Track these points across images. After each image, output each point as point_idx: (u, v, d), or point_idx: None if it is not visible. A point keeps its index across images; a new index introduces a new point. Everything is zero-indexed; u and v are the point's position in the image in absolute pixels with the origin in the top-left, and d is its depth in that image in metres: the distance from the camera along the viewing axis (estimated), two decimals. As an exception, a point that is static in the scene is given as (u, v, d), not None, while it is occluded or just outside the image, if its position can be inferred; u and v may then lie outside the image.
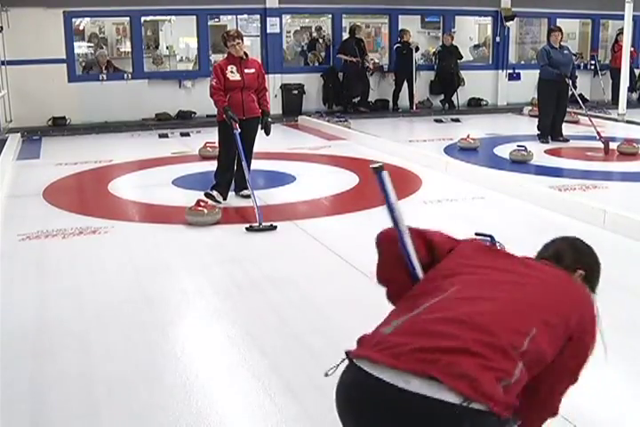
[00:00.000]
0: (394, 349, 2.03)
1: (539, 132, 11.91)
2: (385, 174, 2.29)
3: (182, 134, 13.51)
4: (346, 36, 16.13)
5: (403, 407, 1.94)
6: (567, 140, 11.79)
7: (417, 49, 16.08)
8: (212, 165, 8.19)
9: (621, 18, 13.83)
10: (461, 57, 16.48)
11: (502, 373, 1.98)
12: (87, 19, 16.75)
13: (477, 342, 2.01)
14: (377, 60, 17.30)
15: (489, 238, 5.17)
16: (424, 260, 2.38)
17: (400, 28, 16.50)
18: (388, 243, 2.40)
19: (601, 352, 2.35)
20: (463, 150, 11.04)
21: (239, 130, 7.36)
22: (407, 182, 8.78)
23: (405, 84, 16.07)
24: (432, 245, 2.41)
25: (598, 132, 11.07)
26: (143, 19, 15.58)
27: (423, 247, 2.39)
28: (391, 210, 2.32)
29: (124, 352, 4.25)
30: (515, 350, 2.02)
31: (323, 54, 16.72)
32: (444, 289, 2.22)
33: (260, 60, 9.26)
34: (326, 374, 2.18)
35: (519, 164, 9.83)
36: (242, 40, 7.72)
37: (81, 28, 16.97)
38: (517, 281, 2.26)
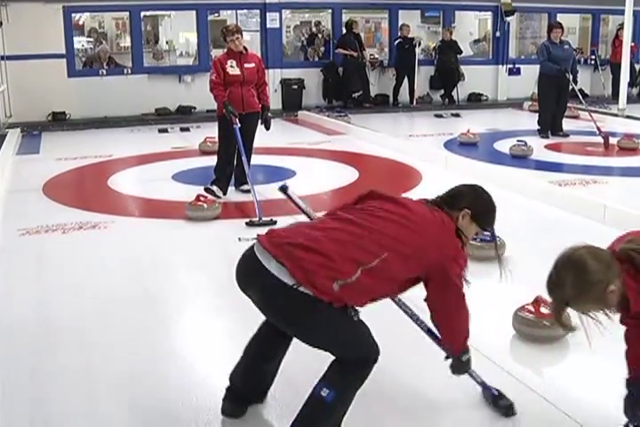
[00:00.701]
0: (276, 239, 2.90)
1: (539, 127, 11.90)
2: (290, 191, 3.36)
3: (182, 129, 13.49)
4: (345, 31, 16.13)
5: (262, 278, 2.82)
6: (567, 135, 11.79)
7: (419, 44, 16.05)
8: (211, 160, 8.20)
9: (622, 13, 13.81)
10: (461, 52, 16.45)
11: (339, 274, 2.75)
12: (87, 13, 16.72)
13: (332, 249, 2.79)
14: (376, 56, 17.28)
15: (488, 233, 5.18)
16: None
17: (400, 22, 16.47)
18: None
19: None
20: (463, 145, 11.03)
21: (239, 125, 7.36)
22: (407, 177, 8.78)
23: (406, 79, 16.06)
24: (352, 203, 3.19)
25: (598, 128, 11.06)
26: (143, 13, 15.58)
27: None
28: (306, 213, 3.41)
29: (124, 348, 4.25)
30: (360, 264, 2.78)
31: (322, 49, 16.70)
32: (334, 216, 3.06)
33: (259, 55, 9.25)
34: (239, 239, 3.64)
35: (519, 158, 9.83)
36: (241, 35, 7.71)
37: (80, 22, 16.95)
38: (389, 218, 2.95)
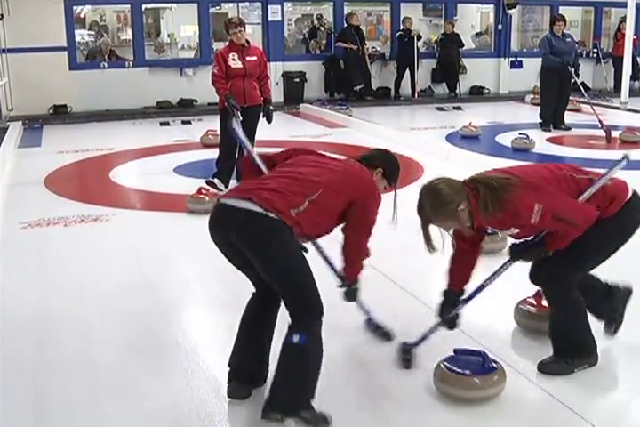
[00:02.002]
0: (238, 190, 3.65)
1: (541, 121, 11.89)
2: (237, 131, 4.63)
3: (184, 122, 13.48)
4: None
5: (236, 215, 3.32)
6: (569, 129, 11.78)
7: (419, 37, 16.00)
8: (213, 153, 8.19)
9: (624, 6, 13.80)
10: (463, 45, 16.42)
11: (292, 203, 3.33)
12: (88, 6, 16.68)
13: (282, 188, 3.38)
14: (378, 49, 17.26)
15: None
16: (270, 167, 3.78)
17: (402, 15, 16.44)
18: (247, 165, 3.91)
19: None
20: (465, 138, 11.02)
21: (241, 117, 7.35)
22: (409, 170, 8.73)
23: (407, 72, 16.04)
24: (273, 159, 3.82)
25: (600, 121, 11.04)
26: (144, 6, 15.54)
27: (269, 161, 3.82)
28: (242, 142, 4.48)
29: (126, 339, 4.27)
30: (306, 196, 3.36)
31: (324, 42, 16.68)
32: (274, 172, 3.67)
33: (261, 48, 9.24)
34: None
35: (521, 152, 9.82)
36: (244, 28, 7.70)
37: (82, 15, 16.91)
38: (318, 165, 3.59)
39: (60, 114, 14.04)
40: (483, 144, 10.72)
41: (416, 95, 16.06)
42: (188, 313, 4.77)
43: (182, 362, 3.95)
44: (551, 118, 11.76)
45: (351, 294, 3.91)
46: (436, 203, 3.36)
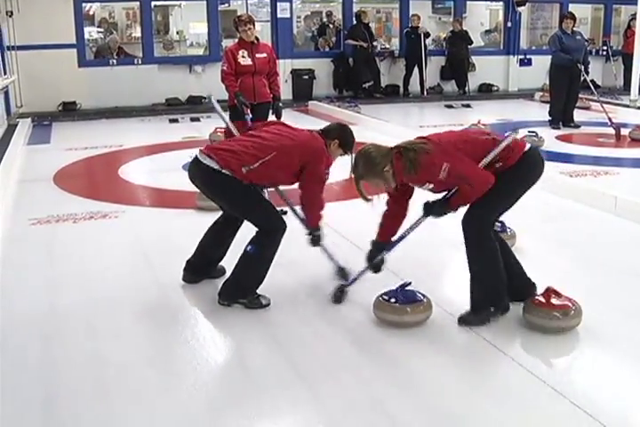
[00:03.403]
0: (212, 146, 4.73)
1: (550, 118, 11.86)
2: (214, 103, 6.10)
3: (192, 119, 13.49)
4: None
5: (200, 167, 4.46)
6: (578, 126, 11.75)
7: (427, 35, 15.97)
8: (222, 150, 8.18)
9: (634, 3, 13.77)
10: (472, 42, 16.40)
11: (245, 162, 4.37)
12: (97, 3, 16.68)
13: (240, 150, 4.41)
14: (387, 46, 17.23)
15: (499, 224, 5.18)
16: None
17: (411, 12, 16.41)
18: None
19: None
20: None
21: (250, 115, 7.35)
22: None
23: (416, 69, 16.01)
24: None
25: (610, 118, 11.01)
26: (153, 3, 15.56)
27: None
28: (218, 112, 6.03)
29: (134, 337, 4.27)
30: (259, 158, 4.37)
31: (333, 39, 16.67)
32: (245, 135, 4.82)
33: (270, 45, 9.24)
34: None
35: (530, 149, 9.77)
36: (253, 25, 7.70)
37: (91, 12, 16.91)
38: (279, 133, 4.56)
39: (70, 111, 14.09)
40: (492, 142, 10.66)
41: (425, 93, 16.03)
42: (197, 311, 4.76)
43: (190, 360, 3.95)
44: (560, 116, 11.73)
45: (315, 240, 4.81)
46: (366, 164, 4.07)
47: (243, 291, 4.58)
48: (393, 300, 4.26)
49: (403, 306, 4.23)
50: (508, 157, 4.18)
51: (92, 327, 4.38)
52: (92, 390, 3.63)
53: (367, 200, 4.22)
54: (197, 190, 6.89)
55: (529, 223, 6.03)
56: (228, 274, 4.79)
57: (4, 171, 8.18)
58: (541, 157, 4.40)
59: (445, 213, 4.28)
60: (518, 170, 4.20)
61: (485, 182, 4.07)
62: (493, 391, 3.56)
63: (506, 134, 4.26)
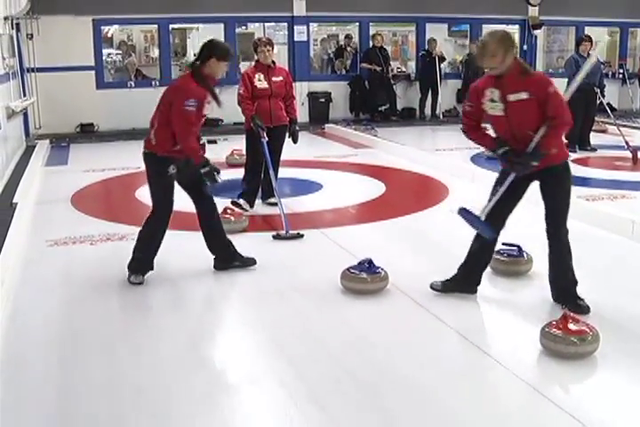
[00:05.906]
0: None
1: (566, 141, 11.82)
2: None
3: (209, 142, 13.46)
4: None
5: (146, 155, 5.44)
6: (595, 150, 11.73)
7: (443, 59, 16.03)
8: (238, 173, 8.21)
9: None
10: (488, 65, 16.39)
11: (148, 135, 5.31)
12: (116, 26, 16.86)
13: (153, 128, 5.32)
14: (403, 69, 17.29)
15: (516, 248, 5.18)
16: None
17: (428, 36, 16.49)
18: None
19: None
20: (490, 159, 10.93)
21: (267, 138, 7.37)
22: (434, 191, 8.77)
23: (430, 92, 16.05)
24: None
25: (626, 142, 10.99)
26: (171, 26, 15.69)
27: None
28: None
29: (151, 359, 4.27)
30: (152, 126, 5.33)
31: (348, 62, 16.74)
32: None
33: (287, 68, 9.29)
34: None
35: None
36: (272, 47, 7.74)
37: (109, 35, 17.08)
38: (158, 106, 5.31)
39: (87, 132, 14.21)
40: (508, 165, 10.65)
41: (441, 116, 16.06)
42: (213, 333, 4.77)
43: (207, 382, 3.94)
44: (577, 139, 11.71)
45: (209, 176, 5.22)
46: (505, 36, 4.59)
47: (136, 259, 5.55)
48: (357, 271, 5.13)
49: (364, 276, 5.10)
50: (561, 146, 4.96)
51: (108, 350, 4.39)
52: (108, 413, 3.63)
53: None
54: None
55: (546, 247, 6.00)
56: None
57: (22, 192, 8.23)
58: None
59: (543, 156, 4.84)
60: (568, 172, 5.21)
61: (569, 122, 4.87)
62: (509, 417, 3.54)
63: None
